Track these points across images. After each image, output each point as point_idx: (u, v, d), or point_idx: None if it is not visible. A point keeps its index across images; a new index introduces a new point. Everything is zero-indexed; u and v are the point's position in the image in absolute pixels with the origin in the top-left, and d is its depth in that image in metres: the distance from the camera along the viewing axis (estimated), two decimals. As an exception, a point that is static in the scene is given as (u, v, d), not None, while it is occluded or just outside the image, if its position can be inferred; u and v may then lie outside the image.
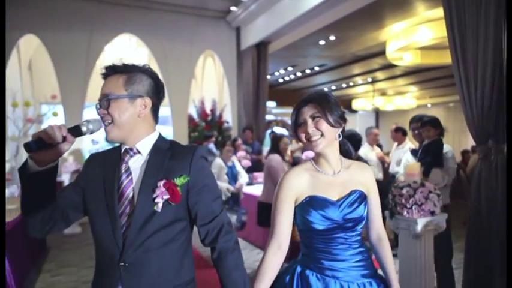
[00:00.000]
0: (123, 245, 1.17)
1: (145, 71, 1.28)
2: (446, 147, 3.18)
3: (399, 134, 4.71)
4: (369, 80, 11.75)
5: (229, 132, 7.98)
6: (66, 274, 4.05)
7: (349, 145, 1.54)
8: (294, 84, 13.42)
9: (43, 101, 8.17)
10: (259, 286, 1.35)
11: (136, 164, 1.25)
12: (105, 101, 1.21)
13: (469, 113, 3.06)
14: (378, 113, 16.59)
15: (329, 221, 1.36)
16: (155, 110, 1.30)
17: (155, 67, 7.55)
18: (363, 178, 1.46)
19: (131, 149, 1.25)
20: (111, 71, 1.26)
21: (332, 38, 7.07)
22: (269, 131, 9.25)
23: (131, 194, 1.20)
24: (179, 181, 1.20)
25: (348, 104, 15.13)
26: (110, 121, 1.21)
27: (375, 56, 8.70)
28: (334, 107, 1.39)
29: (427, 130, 3.17)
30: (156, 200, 1.17)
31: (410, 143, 4.60)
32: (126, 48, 8.36)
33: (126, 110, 1.21)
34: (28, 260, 4.00)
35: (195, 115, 8.31)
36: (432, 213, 2.37)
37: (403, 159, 3.58)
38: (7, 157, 6.56)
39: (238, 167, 4.65)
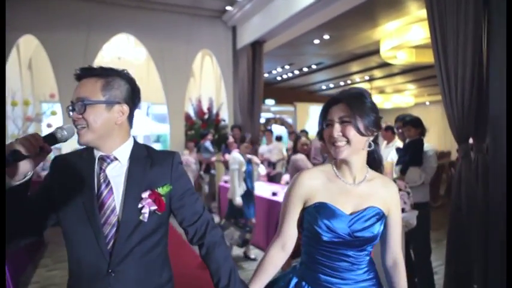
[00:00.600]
0: (111, 255, 1.15)
1: (123, 75, 1.24)
2: (427, 147, 3.26)
3: (389, 133, 4.76)
4: (367, 78, 11.80)
5: (226, 130, 8.07)
6: (62, 269, 4.17)
7: (379, 153, 1.35)
8: (292, 82, 13.48)
9: (42, 100, 8.29)
10: (257, 282, 1.33)
11: (114, 172, 1.20)
12: (80, 105, 1.15)
13: (450, 112, 3.14)
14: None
15: (333, 234, 1.23)
16: (131, 116, 1.26)
17: (152, 66, 7.65)
18: (386, 195, 1.30)
19: (108, 157, 1.20)
20: (87, 73, 1.20)
21: (326, 37, 7.14)
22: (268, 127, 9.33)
23: (113, 204, 1.17)
24: (163, 190, 1.21)
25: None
26: (84, 125, 1.15)
27: (371, 55, 8.77)
28: (369, 111, 1.21)
29: (407, 130, 3.26)
30: (143, 211, 1.17)
31: (399, 141, 4.68)
32: (124, 47, 8.46)
33: (102, 115, 1.16)
34: (26, 256, 4.12)
35: (192, 113, 8.40)
36: (402, 210, 2.46)
37: (388, 157, 3.67)
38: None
39: (254, 162, 4.71)
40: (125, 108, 1.21)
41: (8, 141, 6.79)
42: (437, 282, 3.40)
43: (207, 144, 6.96)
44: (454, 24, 3.03)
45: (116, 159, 1.21)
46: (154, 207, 1.18)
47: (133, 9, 7.03)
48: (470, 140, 3.14)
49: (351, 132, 1.19)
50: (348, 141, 1.20)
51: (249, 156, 4.54)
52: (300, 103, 15.19)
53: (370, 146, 1.26)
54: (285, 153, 6.88)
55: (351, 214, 1.24)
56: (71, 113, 1.18)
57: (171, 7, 7.23)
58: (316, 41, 7.47)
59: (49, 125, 7.79)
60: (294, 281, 1.33)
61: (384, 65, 9.90)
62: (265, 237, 4.69)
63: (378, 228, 1.25)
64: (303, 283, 1.30)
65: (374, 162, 1.34)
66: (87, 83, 1.19)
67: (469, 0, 2.90)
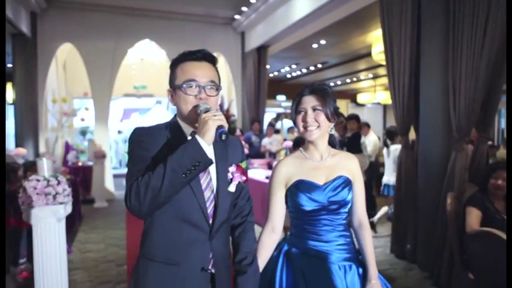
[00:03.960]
0: (213, 219, 1.24)
1: None
2: (363, 139, 4.17)
3: (365, 128, 5.68)
4: (370, 75, 12.51)
5: (235, 124, 9.06)
6: (97, 233, 5.29)
7: (335, 138, 1.62)
8: (302, 79, 14.30)
9: (75, 96, 9.49)
10: None
11: None
12: (214, 88, 1.26)
13: (395, 110, 4.01)
14: (385, 107, 17.24)
15: (315, 203, 1.45)
16: None
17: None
18: (349, 165, 1.54)
19: (196, 132, 1.22)
20: (207, 58, 1.28)
21: (323, 42, 8.01)
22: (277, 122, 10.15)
23: (209, 174, 1.27)
24: (243, 165, 1.36)
25: (354, 98, 15.91)
26: (209, 108, 1.20)
27: (367, 56, 9.51)
28: (333, 102, 1.48)
29: (352, 123, 4.15)
30: (234, 182, 1.30)
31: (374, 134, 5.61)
32: (146, 50, 9.53)
33: (218, 100, 1.29)
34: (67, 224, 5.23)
35: (205, 109, 9.40)
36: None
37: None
38: (43, 144, 7.81)
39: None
40: None
41: (47, 133, 7.97)
42: (385, 244, 4.34)
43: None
44: (398, 41, 3.88)
45: None
46: (243, 178, 1.33)
47: (154, 18, 8.06)
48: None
49: (321, 117, 1.45)
50: (319, 126, 1.46)
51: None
52: (310, 99, 15.92)
53: (331, 130, 1.53)
54: (284, 144, 7.76)
55: (324, 184, 1.48)
56: (202, 91, 1.23)
57: (188, 16, 8.22)
58: (315, 46, 8.34)
59: (82, 119, 9.00)
60: (285, 248, 1.53)
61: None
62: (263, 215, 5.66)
63: (346, 193, 1.49)
64: (293, 249, 1.51)
65: (332, 145, 1.59)
66: (210, 68, 1.28)
67: (408, 20, 3.73)
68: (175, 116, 1.31)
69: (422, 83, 3.72)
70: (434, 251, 3.40)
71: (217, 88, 1.27)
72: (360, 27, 7.18)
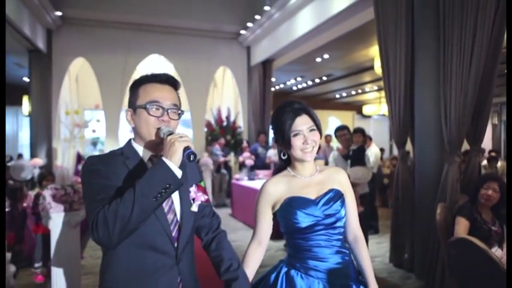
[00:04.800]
0: (177, 242, 1.22)
1: None
2: (366, 151, 4.32)
3: (368, 140, 5.85)
4: (375, 88, 12.67)
5: (241, 136, 9.28)
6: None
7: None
8: (309, 91, 14.52)
9: (86, 108, 9.83)
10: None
11: None
12: (178, 112, 1.25)
13: (391, 123, 4.17)
14: (391, 118, 17.29)
15: (311, 218, 1.43)
16: None
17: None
18: (339, 178, 1.54)
19: (157, 156, 1.24)
20: (170, 82, 1.27)
21: (326, 56, 8.24)
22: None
23: (171, 196, 1.23)
24: (203, 184, 1.35)
25: (359, 109, 16.06)
26: (172, 131, 1.20)
27: (371, 69, 9.68)
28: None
29: (358, 136, 4.29)
30: (196, 202, 1.30)
31: (375, 146, 5.79)
32: (155, 64, 9.84)
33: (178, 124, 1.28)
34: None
35: (212, 121, 9.66)
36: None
37: (331, 158, 4.70)
38: (59, 155, 8.12)
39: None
40: None
41: (60, 144, 8.28)
42: (385, 254, 4.48)
43: (215, 148, 8.21)
44: (394, 56, 4.04)
45: None
46: (205, 198, 1.33)
47: (163, 34, 8.39)
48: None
49: (317, 137, 1.46)
50: (314, 146, 1.45)
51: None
52: (316, 111, 16.15)
53: None
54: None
55: (317, 198, 1.47)
56: (164, 113, 1.22)
57: (195, 31, 8.54)
58: (318, 59, 8.57)
59: (94, 130, 9.30)
60: (284, 270, 1.49)
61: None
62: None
63: (339, 205, 1.47)
64: (292, 271, 1.47)
65: None
66: (172, 91, 1.27)
67: (402, 37, 3.91)
68: (129, 141, 1.28)
69: (417, 97, 3.88)
70: (429, 260, 3.53)
71: (179, 113, 1.26)
72: (363, 42, 7.40)
